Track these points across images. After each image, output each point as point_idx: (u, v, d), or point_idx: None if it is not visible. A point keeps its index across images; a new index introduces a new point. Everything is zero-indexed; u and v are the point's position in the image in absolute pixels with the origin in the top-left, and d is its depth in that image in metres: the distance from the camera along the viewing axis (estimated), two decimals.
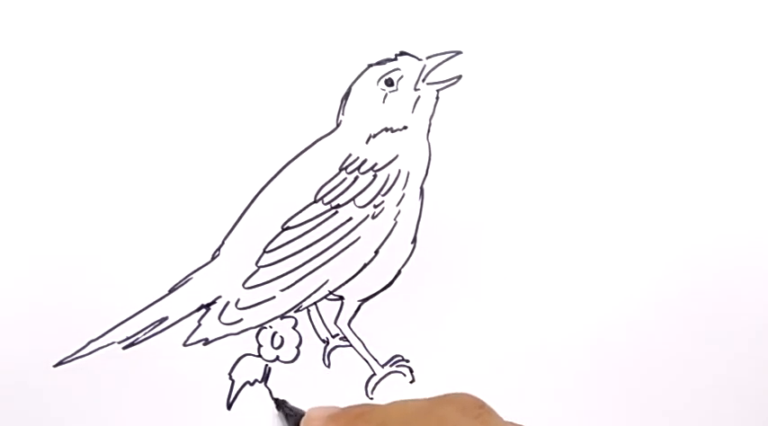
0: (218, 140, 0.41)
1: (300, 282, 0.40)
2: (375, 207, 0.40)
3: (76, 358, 0.39)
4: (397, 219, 0.41)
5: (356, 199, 0.40)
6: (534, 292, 0.41)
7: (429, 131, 0.42)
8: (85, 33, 0.41)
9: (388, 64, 0.42)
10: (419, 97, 0.42)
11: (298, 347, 0.40)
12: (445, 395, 0.34)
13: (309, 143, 0.41)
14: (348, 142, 0.41)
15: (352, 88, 0.41)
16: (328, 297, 0.40)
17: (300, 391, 0.40)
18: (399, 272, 0.41)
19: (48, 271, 0.39)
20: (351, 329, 0.40)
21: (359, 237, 0.40)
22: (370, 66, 0.42)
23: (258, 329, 0.40)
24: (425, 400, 0.34)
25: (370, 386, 0.40)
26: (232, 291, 0.40)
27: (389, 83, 0.41)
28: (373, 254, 0.40)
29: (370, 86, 0.41)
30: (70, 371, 0.39)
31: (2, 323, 0.38)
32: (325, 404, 0.38)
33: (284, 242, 0.40)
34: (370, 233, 0.40)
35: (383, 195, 0.40)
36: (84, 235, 0.39)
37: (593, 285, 0.42)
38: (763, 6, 0.44)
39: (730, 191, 0.43)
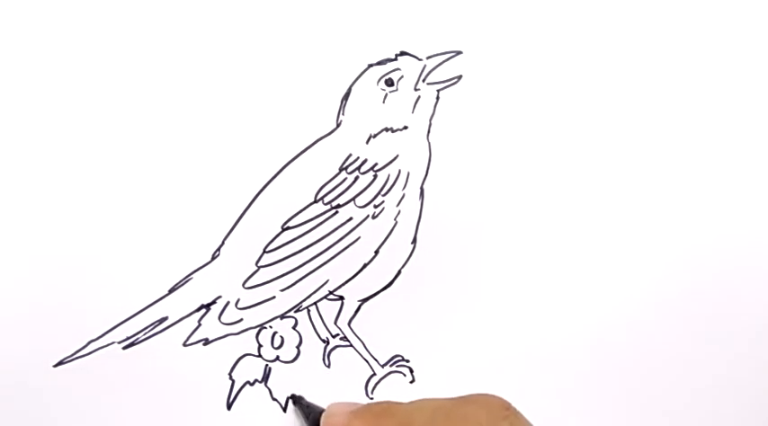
0: (219, 140, 0.41)
1: (300, 282, 0.40)
2: (375, 207, 0.40)
3: (76, 358, 0.39)
4: (397, 219, 0.41)
5: (356, 200, 0.40)
6: (534, 292, 0.41)
7: (429, 131, 0.42)
8: (85, 33, 0.41)
9: (389, 64, 0.42)
10: (419, 97, 0.42)
11: (298, 347, 0.40)
12: (470, 396, 0.34)
13: (309, 143, 0.41)
14: (348, 142, 0.41)
15: (353, 88, 0.41)
16: (328, 297, 0.40)
17: (300, 391, 0.40)
18: (399, 272, 0.41)
19: (48, 271, 0.39)
20: (351, 329, 0.40)
21: (359, 237, 0.40)
22: (370, 66, 0.42)
23: (258, 329, 0.40)
24: (450, 399, 0.34)
25: (370, 386, 0.40)
26: (232, 291, 0.40)
27: (390, 83, 0.41)
28: (373, 254, 0.40)
29: (370, 86, 0.41)
30: (70, 371, 0.39)
31: (2, 323, 0.38)
32: (344, 401, 0.38)
33: (284, 242, 0.40)
34: (371, 233, 0.40)
35: (383, 195, 0.40)
36: (84, 235, 0.39)
37: (593, 285, 0.42)
38: (763, 6, 0.44)
39: (730, 191, 0.43)
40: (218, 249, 0.40)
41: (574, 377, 0.41)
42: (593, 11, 0.43)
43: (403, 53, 0.42)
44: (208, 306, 0.40)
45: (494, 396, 0.34)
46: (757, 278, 0.43)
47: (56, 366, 0.39)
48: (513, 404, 0.34)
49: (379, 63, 0.42)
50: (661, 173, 0.43)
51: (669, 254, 0.42)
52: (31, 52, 0.40)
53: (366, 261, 0.40)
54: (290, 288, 0.40)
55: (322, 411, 0.38)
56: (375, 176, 0.41)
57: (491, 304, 0.41)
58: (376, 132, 0.41)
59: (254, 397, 0.40)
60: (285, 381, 0.40)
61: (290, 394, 0.40)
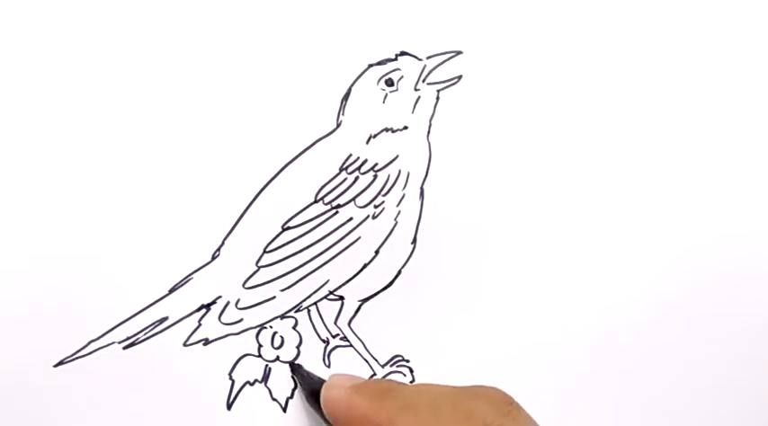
0: (219, 140, 0.41)
1: (301, 282, 0.40)
2: (375, 207, 0.40)
3: (76, 358, 0.39)
4: (397, 219, 0.41)
5: (356, 200, 0.40)
6: (534, 292, 0.41)
7: (429, 131, 0.42)
8: (85, 33, 0.41)
9: (389, 64, 0.42)
10: (419, 97, 0.42)
11: (298, 347, 0.40)
12: (474, 387, 0.34)
13: (309, 143, 0.41)
14: (348, 142, 0.41)
15: (353, 88, 0.41)
16: (328, 297, 0.40)
17: (301, 391, 0.40)
18: (399, 272, 0.41)
19: (48, 271, 0.39)
20: (351, 329, 0.40)
21: (359, 237, 0.40)
22: (370, 66, 0.42)
23: (258, 329, 0.40)
24: (454, 388, 0.34)
25: None
26: (232, 291, 0.40)
27: (390, 83, 0.41)
28: (373, 254, 0.40)
29: (370, 86, 0.41)
30: (70, 371, 0.39)
31: (2, 323, 0.38)
32: (345, 373, 0.38)
33: (284, 242, 0.40)
34: (371, 233, 0.40)
35: (383, 195, 0.40)
36: (84, 235, 0.39)
37: (593, 285, 0.42)
38: (763, 6, 0.44)
39: (730, 191, 0.43)
40: (218, 249, 0.40)
41: (574, 376, 0.41)
42: (593, 11, 0.43)
43: (403, 53, 0.42)
44: (208, 306, 0.40)
45: (497, 390, 0.34)
46: (757, 278, 0.43)
47: (56, 366, 0.39)
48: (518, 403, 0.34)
49: (379, 63, 0.42)
50: (661, 173, 0.43)
51: (669, 254, 0.42)
52: (31, 52, 0.40)
53: (366, 262, 0.40)
54: (291, 288, 0.40)
55: (321, 381, 0.38)
56: (375, 176, 0.41)
57: (491, 304, 0.41)
58: (376, 132, 0.41)
59: (254, 397, 0.40)
60: (285, 381, 0.40)
61: (288, 361, 0.39)
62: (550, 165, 0.42)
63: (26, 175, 0.40)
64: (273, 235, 0.40)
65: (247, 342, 0.40)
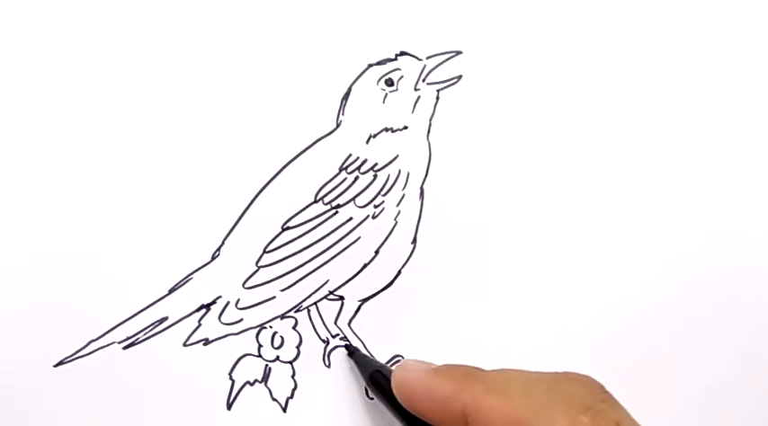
0: (218, 140, 0.41)
1: (300, 282, 0.40)
2: (375, 207, 0.40)
3: (76, 358, 0.39)
4: (397, 219, 0.41)
5: (356, 200, 0.40)
6: (534, 292, 0.41)
7: (429, 131, 0.42)
8: (85, 33, 0.41)
9: (389, 64, 0.42)
10: (419, 97, 0.42)
11: (298, 347, 0.40)
12: (567, 373, 0.33)
13: (309, 143, 0.41)
14: (348, 142, 0.41)
15: (352, 88, 0.41)
16: (328, 297, 0.40)
17: (300, 391, 0.40)
18: (399, 272, 0.41)
19: (48, 271, 0.39)
20: (351, 329, 0.40)
21: (359, 237, 0.40)
22: (370, 66, 0.42)
23: (258, 329, 0.40)
24: (544, 373, 0.33)
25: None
26: (232, 291, 0.40)
27: (389, 83, 0.41)
28: (373, 254, 0.40)
29: (370, 86, 0.41)
30: (70, 371, 0.39)
31: (2, 323, 0.38)
32: (416, 360, 0.37)
33: (284, 242, 0.40)
34: (371, 233, 0.40)
35: (383, 195, 0.40)
36: (84, 235, 0.39)
37: (593, 285, 0.42)
38: (763, 6, 0.44)
39: (730, 191, 0.43)
40: (218, 249, 0.40)
41: None
42: (593, 11, 0.43)
43: (403, 53, 0.42)
44: (208, 306, 0.40)
45: (590, 377, 0.33)
46: (757, 278, 0.43)
47: (56, 366, 0.39)
48: None
49: (379, 63, 0.42)
50: (661, 172, 0.43)
51: (669, 254, 0.42)
52: (31, 52, 0.40)
53: (366, 261, 0.40)
54: (290, 288, 0.40)
55: (382, 365, 0.37)
56: (375, 176, 0.41)
57: (491, 304, 0.41)
58: (376, 132, 0.41)
59: (254, 397, 0.40)
60: (285, 381, 0.40)
61: (345, 345, 0.39)
62: (550, 165, 0.42)
63: (26, 175, 0.40)
64: (273, 235, 0.40)
65: (247, 342, 0.40)
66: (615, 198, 0.42)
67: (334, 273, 0.40)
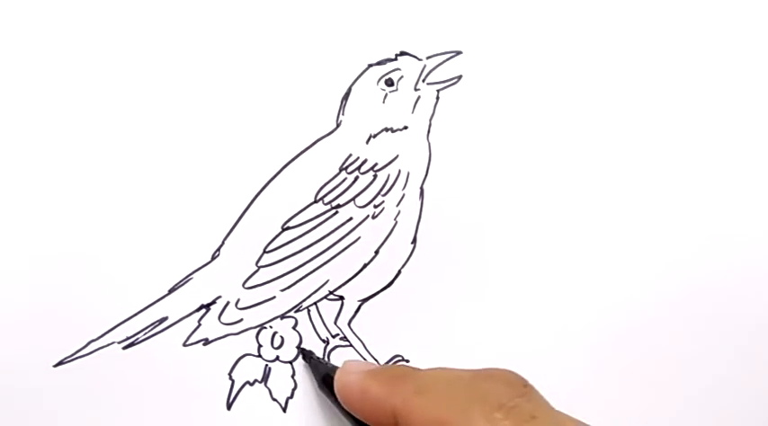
0: (218, 140, 0.41)
1: (300, 282, 0.40)
2: (375, 207, 0.40)
3: (76, 358, 0.39)
4: (397, 219, 0.41)
5: (356, 200, 0.40)
6: (535, 292, 0.41)
7: (429, 131, 0.42)
8: (85, 33, 0.41)
9: (389, 64, 0.42)
10: (419, 97, 0.42)
11: (298, 347, 0.40)
12: (487, 370, 0.34)
13: (309, 143, 0.41)
14: (348, 142, 0.41)
15: (352, 88, 0.41)
16: (328, 297, 0.40)
17: (300, 391, 0.40)
18: (399, 272, 0.41)
19: (48, 271, 0.39)
20: (351, 329, 0.40)
21: (359, 237, 0.40)
22: (370, 66, 0.42)
23: (258, 329, 0.40)
24: (467, 371, 0.34)
25: None
26: (232, 291, 0.40)
27: (389, 83, 0.41)
28: (373, 254, 0.40)
29: (370, 86, 0.41)
30: (70, 371, 0.39)
31: (2, 323, 0.38)
32: (359, 360, 0.38)
33: (284, 242, 0.40)
34: (371, 233, 0.40)
35: (383, 195, 0.40)
36: (83, 235, 0.39)
37: (593, 285, 0.42)
38: (763, 6, 0.44)
39: (730, 192, 0.43)
40: (218, 249, 0.40)
41: (574, 376, 0.41)
42: (593, 11, 0.43)
43: (403, 53, 0.42)
44: (208, 306, 0.40)
45: (511, 372, 0.34)
46: (757, 278, 0.43)
47: (56, 366, 0.39)
48: None
49: (379, 63, 0.42)
50: (661, 173, 0.43)
51: (669, 254, 0.42)
52: (31, 52, 0.40)
53: (366, 261, 0.40)
54: (290, 288, 0.40)
55: (333, 367, 0.38)
56: (375, 176, 0.41)
57: (491, 304, 0.41)
58: (376, 132, 0.41)
59: (254, 397, 0.40)
60: (285, 381, 0.40)
61: (300, 348, 0.40)
62: (550, 165, 0.42)
63: (26, 175, 0.40)
64: (273, 235, 0.40)
65: (247, 342, 0.40)
66: (615, 198, 0.42)
67: (334, 273, 0.40)
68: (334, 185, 0.40)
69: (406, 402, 0.33)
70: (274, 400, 0.40)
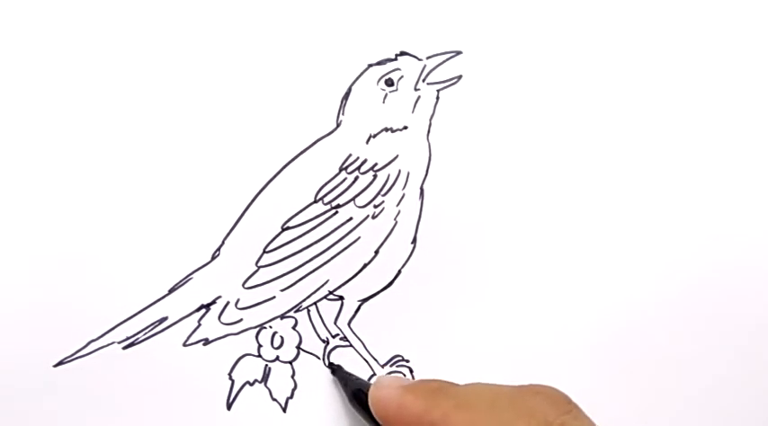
0: (218, 140, 0.41)
1: (300, 282, 0.40)
2: (375, 207, 0.40)
3: (76, 358, 0.39)
4: (397, 219, 0.41)
5: (356, 200, 0.40)
6: (535, 292, 0.41)
7: (429, 131, 0.42)
8: (85, 33, 0.41)
9: (389, 64, 0.42)
10: (419, 97, 0.42)
11: (298, 347, 0.40)
12: (531, 386, 0.34)
13: (309, 143, 0.41)
14: (348, 142, 0.41)
15: (352, 88, 0.41)
16: (328, 297, 0.40)
17: (300, 391, 0.40)
18: (399, 272, 0.41)
19: (48, 271, 0.39)
20: (351, 329, 0.40)
21: (359, 237, 0.40)
22: (370, 66, 0.42)
23: (258, 329, 0.40)
24: (510, 387, 0.33)
25: None
26: (232, 291, 0.40)
27: (389, 83, 0.41)
28: (373, 254, 0.40)
29: (370, 86, 0.41)
30: (70, 371, 0.39)
31: (2, 323, 0.38)
32: (392, 375, 0.38)
33: (284, 242, 0.40)
34: (371, 233, 0.40)
35: (383, 195, 0.40)
36: (83, 235, 0.39)
37: (593, 285, 0.42)
38: (763, 6, 0.44)
39: (730, 192, 0.43)
40: (218, 249, 0.40)
41: (574, 376, 0.41)
42: (593, 11, 0.43)
43: (403, 53, 0.42)
44: (208, 306, 0.40)
45: (556, 389, 0.33)
46: (757, 278, 0.43)
47: (56, 366, 0.39)
48: None
49: (379, 63, 0.42)
50: (661, 173, 0.43)
51: (669, 254, 0.42)
52: (31, 52, 0.40)
53: (366, 261, 0.40)
54: (290, 288, 0.40)
55: (364, 383, 0.38)
56: (375, 176, 0.41)
57: (491, 304, 0.41)
58: (376, 132, 0.41)
59: (254, 397, 0.40)
60: (285, 381, 0.40)
61: (328, 363, 0.40)
62: (550, 165, 0.42)
63: (26, 175, 0.40)
64: (273, 235, 0.40)
65: (247, 342, 0.40)
66: (615, 198, 0.42)
67: (334, 273, 0.40)
68: (334, 185, 0.40)
69: (447, 417, 0.33)
70: (274, 400, 0.40)
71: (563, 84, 0.43)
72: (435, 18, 0.42)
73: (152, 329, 0.39)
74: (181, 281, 0.40)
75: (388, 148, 0.41)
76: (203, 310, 0.40)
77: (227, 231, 0.40)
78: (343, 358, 0.40)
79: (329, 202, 0.40)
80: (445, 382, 0.36)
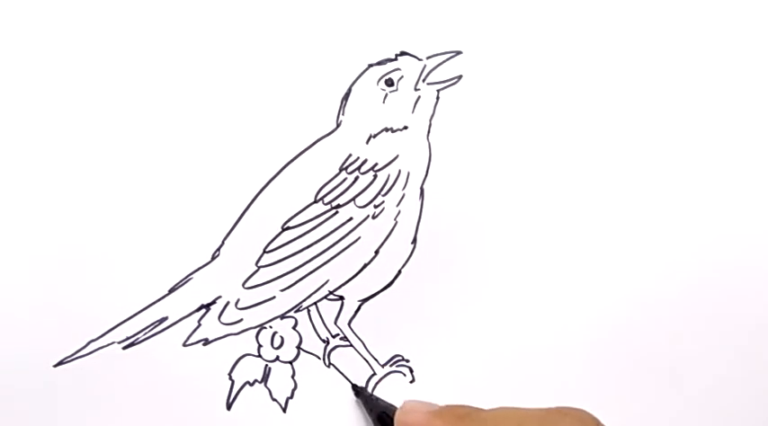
0: (219, 140, 0.41)
1: (300, 282, 0.40)
2: (375, 207, 0.40)
3: (76, 358, 0.39)
4: (397, 219, 0.41)
5: (356, 200, 0.40)
6: (534, 292, 0.41)
7: (429, 131, 0.42)
8: (86, 33, 0.41)
9: (389, 64, 0.42)
10: (419, 97, 0.42)
11: (298, 347, 0.40)
12: (559, 409, 0.33)
13: (309, 143, 0.41)
14: (348, 142, 0.41)
15: (353, 88, 0.41)
16: (328, 297, 0.40)
17: (301, 391, 0.40)
18: (399, 272, 0.41)
19: (48, 271, 0.39)
20: (351, 329, 0.40)
21: (359, 237, 0.40)
22: (370, 66, 0.42)
23: (258, 329, 0.40)
24: (538, 410, 0.33)
25: (370, 385, 0.40)
26: (232, 291, 0.40)
27: (390, 83, 0.41)
28: (373, 254, 0.40)
29: (370, 86, 0.41)
30: (70, 371, 0.39)
31: (2, 323, 0.38)
32: (418, 400, 0.38)
33: (284, 242, 0.40)
34: (371, 233, 0.40)
35: (383, 195, 0.40)
36: (83, 235, 0.39)
37: (593, 285, 0.42)
38: (763, 6, 0.44)
39: (730, 192, 0.43)
40: (218, 249, 0.40)
41: (574, 376, 0.41)
42: (593, 11, 0.43)
43: (403, 53, 0.42)
44: (208, 306, 0.40)
45: (584, 411, 0.34)
46: (757, 278, 0.43)
47: (56, 366, 0.39)
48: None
49: (379, 63, 0.42)
50: (661, 173, 0.43)
51: (669, 254, 0.42)
52: (31, 52, 0.40)
53: (366, 261, 0.40)
54: (290, 288, 0.40)
55: (389, 406, 0.38)
56: (375, 176, 0.41)
57: (491, 304, 0.41)
58: (376, 132, 0.41)
59: (254, 397, 0.40)
60: (285, 381, 0.40)
61: (352, 384, 0.40)
62: (550, 165, 0.42)
63: (26, 175, 0.40)
64: (273, 235, 0.40)
65: (247, 342, 0.40)
66: (615, 198, 0.42)
67: (334, 273, 0.40)
68: (335, 185, 0.40)
69: None
70: (274, 400, 0.40)
71: (563, 84, 0.43)
72: (435, 18, 0.42)
73: (152, 329, 0.39)
74: (181, 281, 0.40)
75: (388, 148, 0.41)
76: (203, 310, 0.40)
77: (228, 231, 0.40)
78: (344, 358, 0.40)
79: (329, 202, 0.40)
80: (472, 407, 0.36)
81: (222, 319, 0.40)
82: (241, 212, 0.40)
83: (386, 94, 0.41)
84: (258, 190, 0.40)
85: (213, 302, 0.40)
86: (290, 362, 0.40)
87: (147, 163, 0.40)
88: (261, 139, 0.41)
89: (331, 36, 0.42)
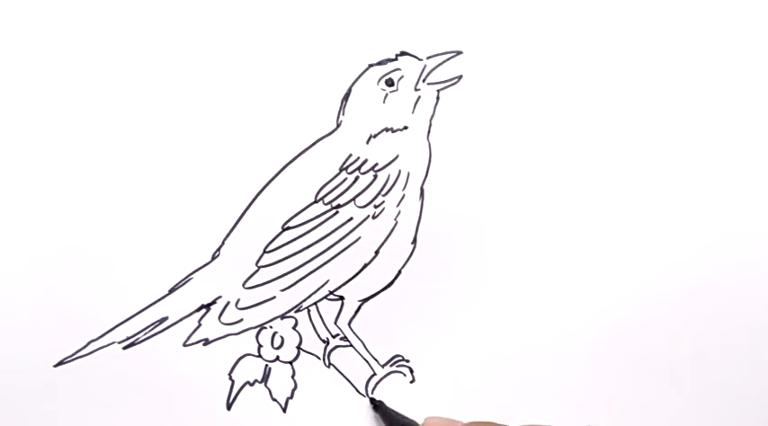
0: (219, 140, 0.41)
1: (301, 282, 0.40)
2: (375, 207, 0.40)
3: (76, 358, 0.39)
4: (397, 219, 0.41)
5: (356, 200, 0.40)
6: (534, 292, 0.41)
7: (429, 131, 0.42)
8: (86, 33, 0.41)
9: (389, 64, 0.42)
10: (419, 97, 0.42)
11: (298, 347, 0.40)
12: None
13: (309, 143, 0.41)
14: (348, 142, 0.41)
15: (353, 88, 0.41)
16: (328, 297, 0.40)
17: (301, 391, 0.40)
18: (399, 272, 0.41)
19: (48, 271, 0.39)
20: (351, 329, 0.40)
21: (359, 237, 0.40)
22: (370, 66, 0.42)
23: (258, 329, 0.40)
24: None
25: (370, 385, 0.40)
26: (232, 291, 0.40)
27: (390, 83, 0.41)
28: (373, 254, 0.40)
29: (370, 86, 0.41)
30: (70, 371, 0.39)
31: (2, 323, 0.38)
32: (440, 416, 0.38)
33: (284, 242, 0.40)
34: (371, 233, 0.40)
35: (383, 195, 0.40)
36: (83, 235, 0.39)
37: (592, 285, 0.42)
38: (763, 6, 0.44)
39: (730, 192, 0.43)
40: (218, 249, 0.40)
41: (574, 376, 0.41)
42: (593, 11, 0.43)
43: (403, 53, 0.42)
44: (208, 306, 0.40)
45: None
46: (757, 278, 0.43)
47: (56, 366, 0.39)
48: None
49: (380, 63, 0.42)
50: (661, 173, 0.43)
51: (669, 254, 0.42)
52: (31, 52, 0.40)
53: (366, 262, 0.40)
54: (291, 288, 0.40)
55: (410, 421, 0.38)
56: (375, 176, 0.41)
57: (491, 304, 0.41)
58: (376, 132, 0.41)
59: (254, 397, 0.40)
60: (285, 381, 0.40)
61: (370, 398, 0.40)
62: (550, 165, 0.42)
63: (26, 175, 0.40)
64: (273, 235, 0.40)
65: (247, 342, 0.40)
66: (615, 198, 0.42)
67: (335, 273, 0.40)
68: (335, 185, 0.40)
69: None
70: (274, 400, 0.40)
71: (563, 84, 0.43)
72: (435, 18, 0.42)
73: (152, 329, 0.39)
74: (181, 281, 0.40)
75: (388, 148, 0.41)
76: (203, 310, 0.40)
77: (228, 231, 0.40)
78: (344, 358, 0.40)
79: (329, 202, 0.40)
80: (495, 423, 0.36)
81: (222, 319, 0.40)
82: (241, 212, 0.40)
83: (386, 94, 0.41)
84: (258, 190, 0.40)
85: (213, 302, 0.40)
86: (291, 362, 0.40)
87: (147, 163, 0.40)
88: (261, 139, 0.41)
89: (331, 36, 0.42)
